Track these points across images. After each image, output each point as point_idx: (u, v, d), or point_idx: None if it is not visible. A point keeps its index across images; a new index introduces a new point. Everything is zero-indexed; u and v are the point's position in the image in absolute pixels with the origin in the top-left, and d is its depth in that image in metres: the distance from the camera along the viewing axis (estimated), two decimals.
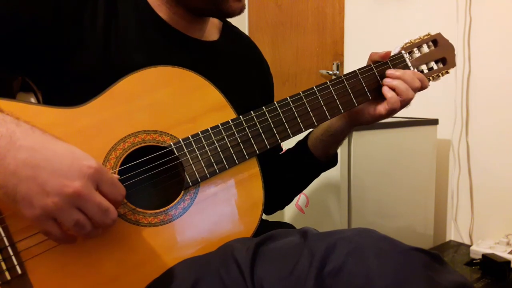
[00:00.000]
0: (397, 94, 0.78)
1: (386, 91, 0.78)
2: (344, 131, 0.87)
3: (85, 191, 0.53)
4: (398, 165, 1.50)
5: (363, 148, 1.37)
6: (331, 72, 2.20)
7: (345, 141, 1.31)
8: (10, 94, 0.84)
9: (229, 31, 0.91)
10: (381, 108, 0.79)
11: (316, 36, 2.28)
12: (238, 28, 0.96)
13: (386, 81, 0.79)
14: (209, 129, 0.70)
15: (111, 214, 0.56)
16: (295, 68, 2.42)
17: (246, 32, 2.62)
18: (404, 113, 1.57)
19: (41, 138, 0.56)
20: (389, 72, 0.79)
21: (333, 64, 2.20)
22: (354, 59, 2.10)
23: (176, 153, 0.67)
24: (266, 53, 2.46)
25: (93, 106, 0.65)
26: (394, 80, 0.78)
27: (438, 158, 1.66)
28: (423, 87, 0.81)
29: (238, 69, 0.88)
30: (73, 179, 0.53)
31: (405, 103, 0.78)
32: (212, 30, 0.88)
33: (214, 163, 0.69)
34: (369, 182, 1.40)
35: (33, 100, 0.76)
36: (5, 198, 0.53)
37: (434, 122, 1.62)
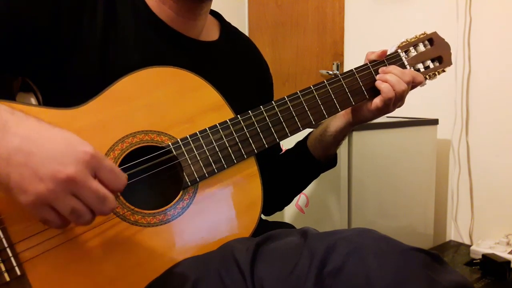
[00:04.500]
0: (390, 86, 0.79)
1: (379, 83, 0.80)
2: (343, 131, 0.87)
3: (79, 177, 0.52)
4: (398, 165, 1.50)
5: (363, 148, 1.37)
6: (331, 72, 2.20)
7: (345, 141, 1.31)
8: (10, 94, 0.84)
9: (229, 32, 0.91)
10: (377, 100, 0.80)
11: (316, 36, 2.28)
12: (237, 29, 0.96)
13: (378, 76, 0.81)
14: (207, 129, 0.70)
15: (109, 203, 0.54)
16: (295, 68, 2.42)
17: (246, 32, 2.62)
18: (404, 113, 1.58)
19: (35, 125, 0.54)
20: (381, 69, 0.81)
21: (333, 64, 2.20)
22: (354, 59, 2.10)
23: (174, 153, 0.67)
24: (266, 53, 2.47)
25: (91, 107, 0.65)
26: (386, 75, 0.80)
27: (438, 158, 1.66)
28: (416, 82, 0.81)
29: (237, 69, 0.88)
30: (67, 165, 0.51)
31: (398, 94, 0.79)
32: (211, 30, 0.88)
33: (212, 163, 0.69)
34: (369, 182, 1.40)
35: (33, 100, 0.76)
36: None
37: (434, 122, 1.62)
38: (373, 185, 1.41)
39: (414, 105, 1.52)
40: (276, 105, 0.75)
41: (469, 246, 1.56)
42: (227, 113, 0.73)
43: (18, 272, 0.56)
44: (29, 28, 0.67)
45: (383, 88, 0.78)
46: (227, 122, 0.71)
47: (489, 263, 1.35)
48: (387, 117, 1.61)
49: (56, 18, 0.68)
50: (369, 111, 0.81)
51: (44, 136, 0.53)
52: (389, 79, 0.79)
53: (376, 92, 0.80)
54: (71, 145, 0.53)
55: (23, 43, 0.67)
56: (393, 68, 0.80)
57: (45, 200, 0.51)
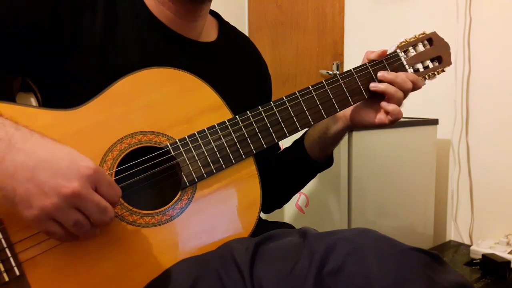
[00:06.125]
0: (388, 98, 0.78)
1: (384, 104, 0.78)
2: (341, 133, 0.87)
3: (83, 191, 0.54)
4: (398, 165, 1.50)
5: (363, 148, 1.37)
6: (331, 72, 2.20)
7: (345, 141, 1.31)
8: (10, 94, 0.84)
9: (227, 31, 0.91)
10: (383, 117, 0.79)
11: (316, 36, 2.28)
12: (236, 28, 0.96)
13: (372, 85, 0.79)
14: (205, 129, 0.70)
15: (109, 213, 0.57)
16: (295, 68, 2.42)
17: (246, 32, 2.62)
18: (404, 113, 1.57)
19: (39, 141, 0.56)
20: (380, 74, 0.79)
21: (333, 64, 2.20)
22: (354, 59, 2.10)
23: (172, 153, 0.67)
24: (266, 53, 2.47)
25: (90, 108, 0.65)
26: (382, 84, 0.78)
27: (438, 158, 1.66)
28: (415, 88, 0.81)
29: (236, 69, 0.88)
30: (72, 180, 0.53)
31: (398, 104, 0.78)
32: (209, 30, 0.88)
33: (211, 163, 0.69)
34: (369, 182, 1.40)
35: (33, 100, 0.76)
36: (4, 201, 0.53)
37: (434, 122, 1.62)
38: (373, 185, 1.41)
39: (414, 105, 1.52)
40: (274, 106, 0.74)
41: (469, 246, 1.56)
42: (225, 114, 0.73)
43: (17, 272, 0.56)
44: (29, 28, 0.67)
45: (392, 111, 0.78)
46: (226, 123, 0.71)
47: (489, 263, 1.35)
48: None
49: (57, 18, 0.69)
50: (370, 124, 0.81)
51: (48, 151, 0.55)
52: (385, 90, 0.77)
53: (374, 92, 0.80)
54: (74, 161, 0.55)
55: (24, 43, 0.67)
56: (395, 77, 0.78)
57: (49, 215, 0.53)
